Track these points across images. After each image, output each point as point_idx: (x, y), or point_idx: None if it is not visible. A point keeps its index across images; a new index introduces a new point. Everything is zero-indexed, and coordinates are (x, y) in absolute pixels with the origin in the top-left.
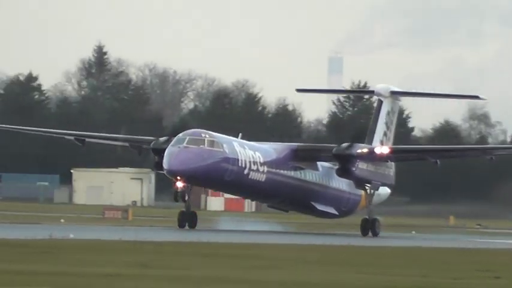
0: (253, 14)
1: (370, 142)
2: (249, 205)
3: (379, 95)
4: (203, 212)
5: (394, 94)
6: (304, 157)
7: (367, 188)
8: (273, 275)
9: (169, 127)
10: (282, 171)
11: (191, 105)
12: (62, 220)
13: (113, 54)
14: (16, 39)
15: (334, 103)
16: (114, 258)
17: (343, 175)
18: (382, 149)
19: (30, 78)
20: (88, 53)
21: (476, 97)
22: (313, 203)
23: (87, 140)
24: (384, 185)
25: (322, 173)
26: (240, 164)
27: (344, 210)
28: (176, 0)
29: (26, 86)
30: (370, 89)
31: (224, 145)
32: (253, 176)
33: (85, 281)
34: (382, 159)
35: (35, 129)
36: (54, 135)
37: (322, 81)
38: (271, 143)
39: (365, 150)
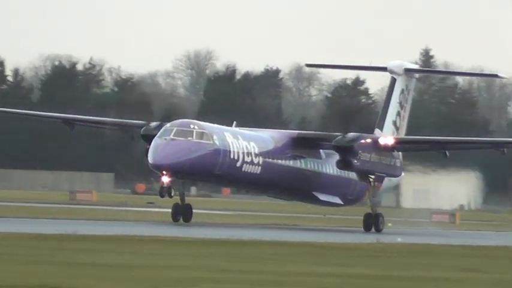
0: None
1: (382, 123)
2: None
3: (392, 72)
4: None
5: (409, 71)
6: (305, 145)
7: (370, 180)
8: None
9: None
10: (279, 162)
11: None
12: (390, 224)
13: (440, 57)
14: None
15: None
16: (441, 262)
17: (343, 167)
18: (387, 140)
19: (357, 82)
20: (415, 57)
21: (496, 75)
22: (315, 193)
23: (77, 123)
24: (389, 175)
25: (326, 161)
26: (232, 156)
27: (350, 198)
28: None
29: (353, 89)
30: (383, 65)
31: (214, 136)
32: (247, 168)
33: (411, 284)
34: (387, 149)
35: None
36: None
37: None
38: (271, 130)
39: (368, 140)
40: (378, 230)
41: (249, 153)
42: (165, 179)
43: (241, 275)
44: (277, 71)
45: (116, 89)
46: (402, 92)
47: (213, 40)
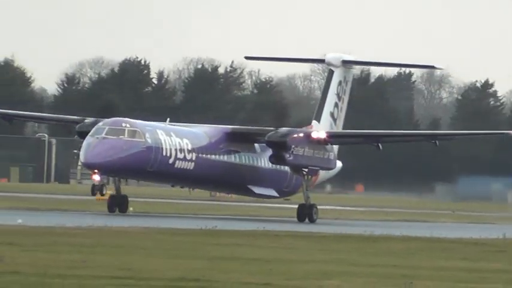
0: None
1: (320, 115)
2: None
3: (329, 64)
4: None
5: (346, 63)
6: (240, 140)
7: (304, 173)
8: None
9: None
10: (213, 157)
11: None
12: None
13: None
14: None
15: None
16: None
17: (276, 162)
18: (319, 134)
19: (487, 85)
20: None
21: (432, 67)
22: (250, 186)
23: (14, 119)
24: (323, 168)
25: (261, 155)
26: (164, 154)
27: (286, 190)
28: None
29: (483, 92)
30: (321, 58)
31: (147, 134)
32: (180, 164)
33: None
34: (321, 143)
35: None
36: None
37: None
38: (205, 125)
39: (300, 135)
40: (312, 221)
41: (181, 150)
42: (96, 177)
43: (371, 268)
44: (410, 75)
45: (255, 91)
46: (340, 83)
47: (348, 44)
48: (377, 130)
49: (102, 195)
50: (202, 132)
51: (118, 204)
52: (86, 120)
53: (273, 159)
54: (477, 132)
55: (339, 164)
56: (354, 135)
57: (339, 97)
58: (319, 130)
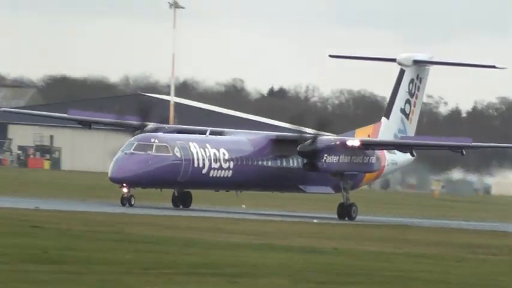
0: None
1: (389, 112)
2: None
3: (400, 64)
4: None
5: (418, 63)
6: (286, 145)
7: (343, 176)
8: None
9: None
10: (255, 163)
11: None
12: None
13: None
14: None
15: None
16: None
17: (310, 170)
18: (353, 142)
19: None
20: None
21: (493, 66)
22: (301, 186)
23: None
24: (363, 172)
25: None
26: (195, 165)
27: (345, 187)
28: None
29: None
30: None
31: (176, 149)
32: (215, 173)
33: None
34: (360, 149)
35: None
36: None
37: None
38: (251, 132)
39: (333, 144)
40: (351, 219)
41: (216, 159)
42: (125, 190)
43: None
44: None
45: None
46: (412, 81)
47: None
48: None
49: (131, 205)
50: (245, 140)
51: (182, 200)
52: (148, 126)
53: (307, 167)
54: None
55: (407, 156)
56: (386, 144)
57: (411, 94)
58: (385, 127)
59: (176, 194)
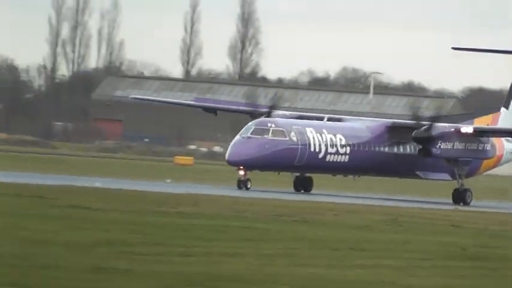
0: None
1: (509, 102)
2: None
3: None
4: None
5: None
6: (403, 132)
7: (457, 163)
8: None
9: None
10: (371, 149)
11: None
12: None
13: None
14: None
15: None
16: None
17: (424, 155)
18: (468, 129)
19: None
20: None
21: None
22: (418, 172)
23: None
24: (478, 159)
25: None
26: (312, 149)
27: (460, 174)
28: None
29: None
30: None
31: (292, 133)
32: (332, 158)
33: None
34: (474, 136)
35: None
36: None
37: None
38: (368, 119)
39: (447, 131)
40: (466, 204)
41: (333, 145)
42: (241, 173)
43: None
44: None
45: None
46: None
47: None
48: None
49: (247, 189)
50: (363, 127)
51: (303, 185)
52: (260, 109)
53: (422, 152)
54: None
55: None
56: (499, 131)
57: None
58: (504, 117)
59: (295, 180)
